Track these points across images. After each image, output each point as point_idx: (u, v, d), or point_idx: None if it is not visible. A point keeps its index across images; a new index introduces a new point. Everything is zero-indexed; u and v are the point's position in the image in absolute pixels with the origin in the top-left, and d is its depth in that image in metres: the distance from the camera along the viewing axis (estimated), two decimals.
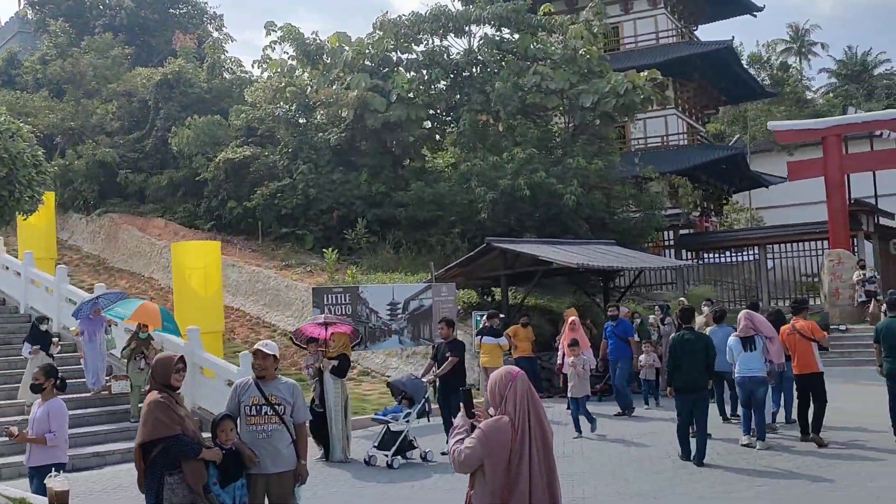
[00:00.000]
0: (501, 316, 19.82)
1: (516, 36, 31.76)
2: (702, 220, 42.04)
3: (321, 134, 31.04)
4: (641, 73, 29.90)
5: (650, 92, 29.49)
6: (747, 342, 12.83)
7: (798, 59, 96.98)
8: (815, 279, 29.71)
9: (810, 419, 12.87)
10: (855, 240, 28.80)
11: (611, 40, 43.98)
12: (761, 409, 12.87)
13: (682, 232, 32.40)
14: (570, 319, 15.66)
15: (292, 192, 29.84)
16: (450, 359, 12.90)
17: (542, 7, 33.20)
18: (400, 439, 12.50)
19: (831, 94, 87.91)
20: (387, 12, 33.84)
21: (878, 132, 34.57)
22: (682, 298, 18.83)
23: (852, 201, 28.97)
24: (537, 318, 20.56)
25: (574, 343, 14.73)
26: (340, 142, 30.27)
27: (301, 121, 32.03)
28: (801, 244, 30.51)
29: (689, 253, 32.20)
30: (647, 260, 22.37)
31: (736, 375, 12.97)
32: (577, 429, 14.09)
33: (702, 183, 43.00)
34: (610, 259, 20.69)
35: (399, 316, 17.06)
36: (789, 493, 9.97)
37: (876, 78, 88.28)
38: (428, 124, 31.92)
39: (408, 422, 12.63)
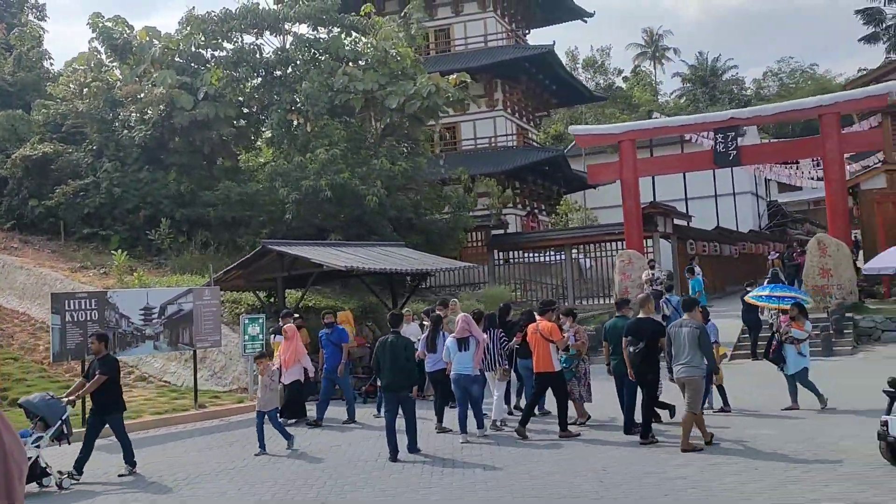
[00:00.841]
0: (297, 316, 19.81)
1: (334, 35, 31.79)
2: (528, 219, 43.13)
3: (127, 131, 30.20)
4: (451, 76, 30.38)
5: (459, 94, 29.98)
6: (462, 343, 13.38)
7: (652, 63, 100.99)
8: None
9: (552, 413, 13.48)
10: (651, 240, 30.08)
11: (441, 42, 44.58)
12: (477, 404, 13.44)
13: (493, 233, 33.09)
14: (285, 327, 15.73)
15: (96, 190, 28.99)
16: (97, 376, 11.92)
17: (363, 7, 33.27)
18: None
19: (683, 98, 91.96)
20: (193, 7, 33.06)
21: (687, 136, 36.26)
22: (454, 300, 19.11)
23: (654, 203, 30.28)
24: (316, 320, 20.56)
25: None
26: (148, 140, 29.54)
27: (108, 117, 31.05)
28: (604, 244, 31.63)
29: (500, 253, 32.94)
30: (430, 262, 22.67)
31: (452, 373, 13.52)
32: (261, 444, 13.04)
33: (528, 183, 44.14)
34: (391, 262, 20.91)
35: (154, 321, 16.74)
36: (465, 480, 10.30)
37: (724, 83, 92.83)
38: (241, 123, 31.51)
39: (38, 447, 11.20)
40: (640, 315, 13.43)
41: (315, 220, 27.37)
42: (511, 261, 33.26)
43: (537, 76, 44.23)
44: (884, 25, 51.88)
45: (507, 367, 14.51)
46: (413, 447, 12.26)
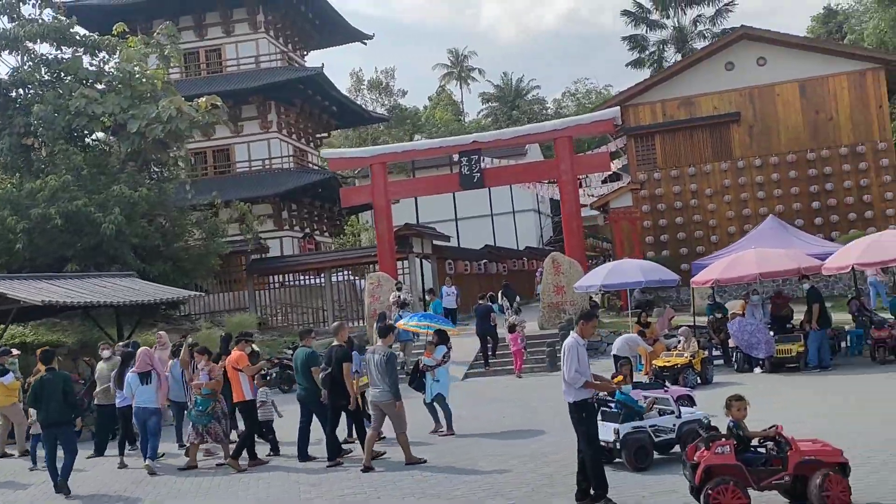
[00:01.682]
0: (16, 352, 18.77)
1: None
2: (305, 242, 42.81)
3: None
4: (201, 99, 29.68)
5: (209, 118, 29.33)
6: (144, 377, 13.28)
7: (459, 83, 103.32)
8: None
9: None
10: (406, 261, 30.47)
11: (213, 62, 43.66)
12: (155, 435, 13.27)
13: (253, 257, 32.57)
14: None
15: None
16: None
17: (115, 26, 31.99)
18: None
19: (490, 118, 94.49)
20: None
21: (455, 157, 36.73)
22: (160, 333, 18.46)
23: (409, 224, 30.69)
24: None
25: None
26: None
27: None
28: (360, 267, 31.79)
29: (260, 278, 32.47)
30: (151, 293, 21.89)
31: (134, 406, 13.39)
32: None
33: (305, 205, 43.84)
34: (104, 295, 20.06)
35: None
36: None
37: (527, 102, 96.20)
38: None
39: None
40: (335, 342, 13.52)
41: (50, 250, 25.99)
42: (270, 286, 32.84)
43: (314, 98, 44.08)
44: (647, 52, 55.20)
45: None
46: (63, 481, 12.01)
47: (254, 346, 17.32)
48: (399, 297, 26.77)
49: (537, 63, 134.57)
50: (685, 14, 54.74)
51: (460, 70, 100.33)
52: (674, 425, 10.79)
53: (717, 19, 53.18)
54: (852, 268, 17.49)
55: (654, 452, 10.60)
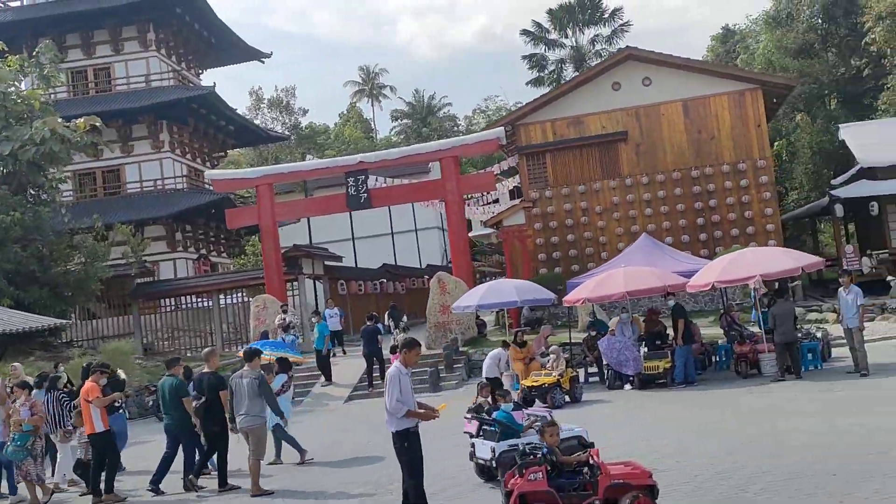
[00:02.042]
0: None
1: None
2: (199, 263, 41.94)
3: None
4: (79, 120, 28.83)
5: (90, 138, 28.50)
6: None
7: (370, 100, 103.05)
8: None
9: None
10: (296, 282, 30.06)
11: (102, 81, 42.58)
12: None
13: (138, 281, 31.73)
14: None
15: None
16: None
17: None
18: None
19: (401, 136, 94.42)
20: None
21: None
22: (14, 364, 17.65)
23: (297, 246, 30.29)
24: None
25: None
26: None
27: None
28: (255, 289, 31.25)
29: (149, 302, 31.63)
30: (16, 322, 21.10)
31: None
32: None
33: (200, 226, 42.98)
34: None
35: None
36: None
37: (440, 119, 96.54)
38: None
39: None
40: (205, 369, 13.28)
41: None
42: (161, 309, 32.01)
43: (208, 117, 43.34)
44: (546, 71, 55.96)
45: (70, 428, 13.84)
46: None
47: (120, 373, 16.81)
48: (284, 319, 26.39)
49: (453, 79, 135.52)
50: (583, 34, 55.77)
51: (371, 87, 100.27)
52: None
53: (613, 39, 54.27)
54: (713, 285, 17.86)
55: None
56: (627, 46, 34.81)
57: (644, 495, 7.74)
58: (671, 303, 18.21)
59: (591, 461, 8.06)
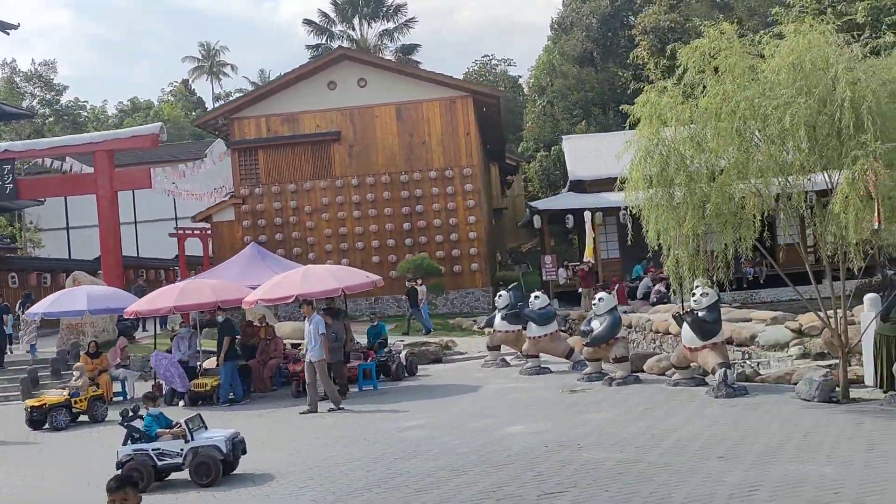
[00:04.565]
0: None
1: None
2: None
3: None
4: None
5: None
6: None
7: (209, 77, 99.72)
8: None
9: None
10: None
11: None
12: None
13: None
14: None
15: None
16: None
17: None
18: None
19: None
20: None
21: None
22: None
23: None
24: None
25: None
26: None
27: None
28: None
29: None
30: None
31: None
32: None
33: None
34: None
35: None
36: None
37: None
38: None
39: None
40: None
41: None
42: None
43: None
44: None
45: None
46: None
47: None
48: None
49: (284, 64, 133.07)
50: (370, 27, 55.24)
51: (211, 65, 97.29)
52: (181, 450, 10.62)
53: (396, 35, 53.99)
54: (296, 297, 17.47)
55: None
56: (340, 46, 34.82)
57: None
58: (220, 318, 17.69)
59: None
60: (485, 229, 31.73)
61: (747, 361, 17.15)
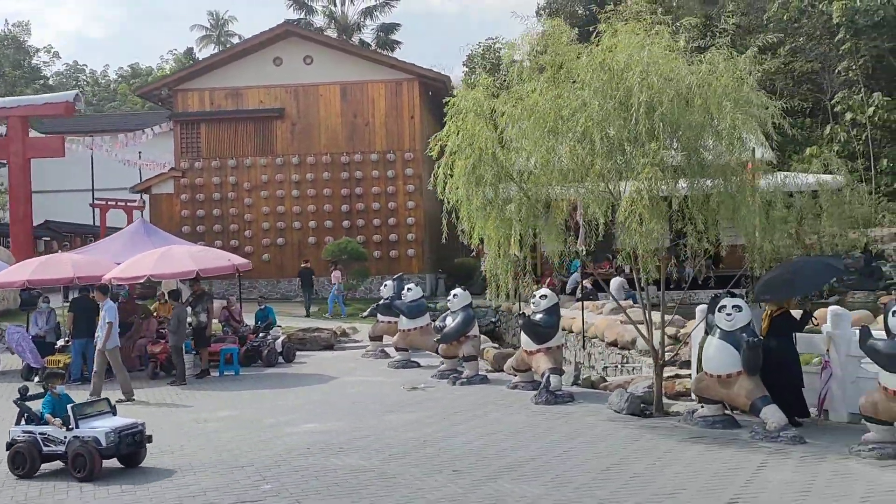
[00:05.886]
0: None
1: None
2: None
3: None
4: None
5: None
6: None
7: (217, 47, 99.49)
8: None
9: None
10: None
11: None
12: None
13: None
14: None
15: None
16: None
17: None
18: None
19: None
20: None
21: None
22: None
23: None
24: None
25: None
26: None
27: None
28: None
29: None
30: None
31: None
32: None
33: None
34: None
35: None
36: None
37: None
38: None
39: None
40: None
41: None
42: None
43: None
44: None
45: None
46: None
47: None
48: None
49: None
50: (353, 4, 54.55)
51: (219, 34, 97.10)
52: (64, 437, 9.63)
53: (375, 13, 53.25)
54: (148, 278, 17.21)
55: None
56: (286, 21, 34.16)
57: None
58: (74, 295, 17.42)
59: None
60: (426, 215, 31.32)
61: (612, 367, 16.80)
